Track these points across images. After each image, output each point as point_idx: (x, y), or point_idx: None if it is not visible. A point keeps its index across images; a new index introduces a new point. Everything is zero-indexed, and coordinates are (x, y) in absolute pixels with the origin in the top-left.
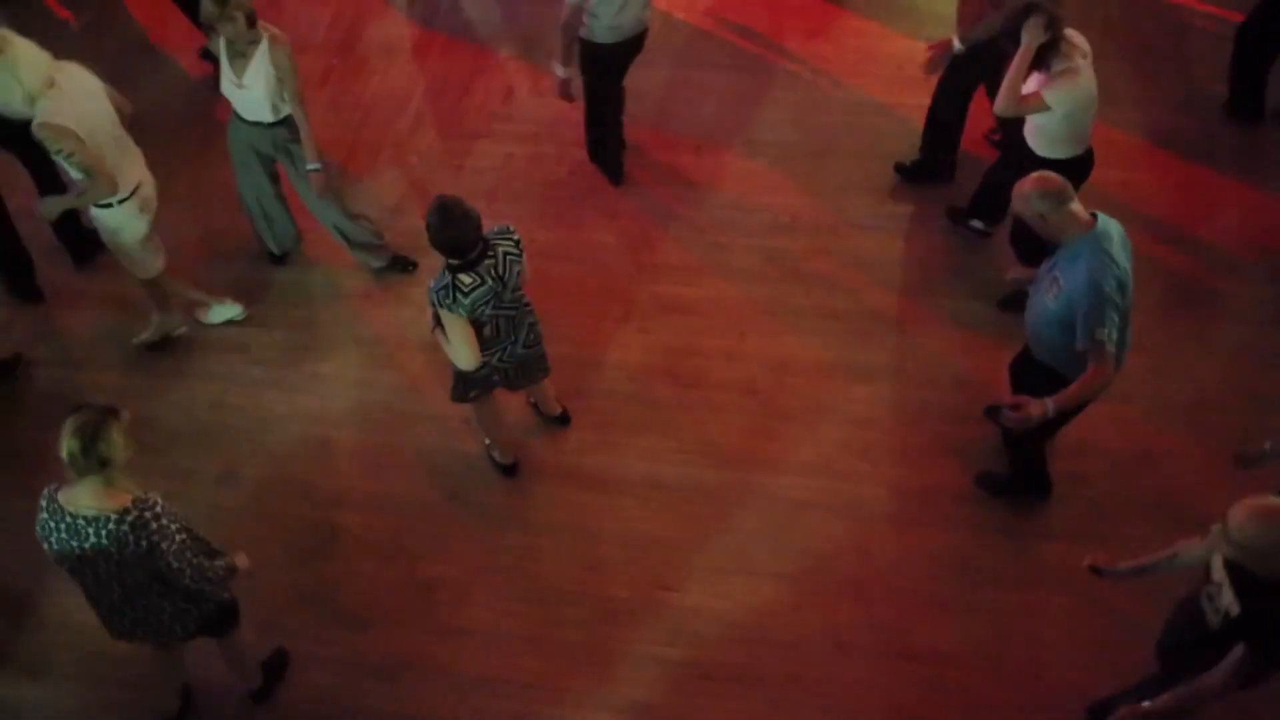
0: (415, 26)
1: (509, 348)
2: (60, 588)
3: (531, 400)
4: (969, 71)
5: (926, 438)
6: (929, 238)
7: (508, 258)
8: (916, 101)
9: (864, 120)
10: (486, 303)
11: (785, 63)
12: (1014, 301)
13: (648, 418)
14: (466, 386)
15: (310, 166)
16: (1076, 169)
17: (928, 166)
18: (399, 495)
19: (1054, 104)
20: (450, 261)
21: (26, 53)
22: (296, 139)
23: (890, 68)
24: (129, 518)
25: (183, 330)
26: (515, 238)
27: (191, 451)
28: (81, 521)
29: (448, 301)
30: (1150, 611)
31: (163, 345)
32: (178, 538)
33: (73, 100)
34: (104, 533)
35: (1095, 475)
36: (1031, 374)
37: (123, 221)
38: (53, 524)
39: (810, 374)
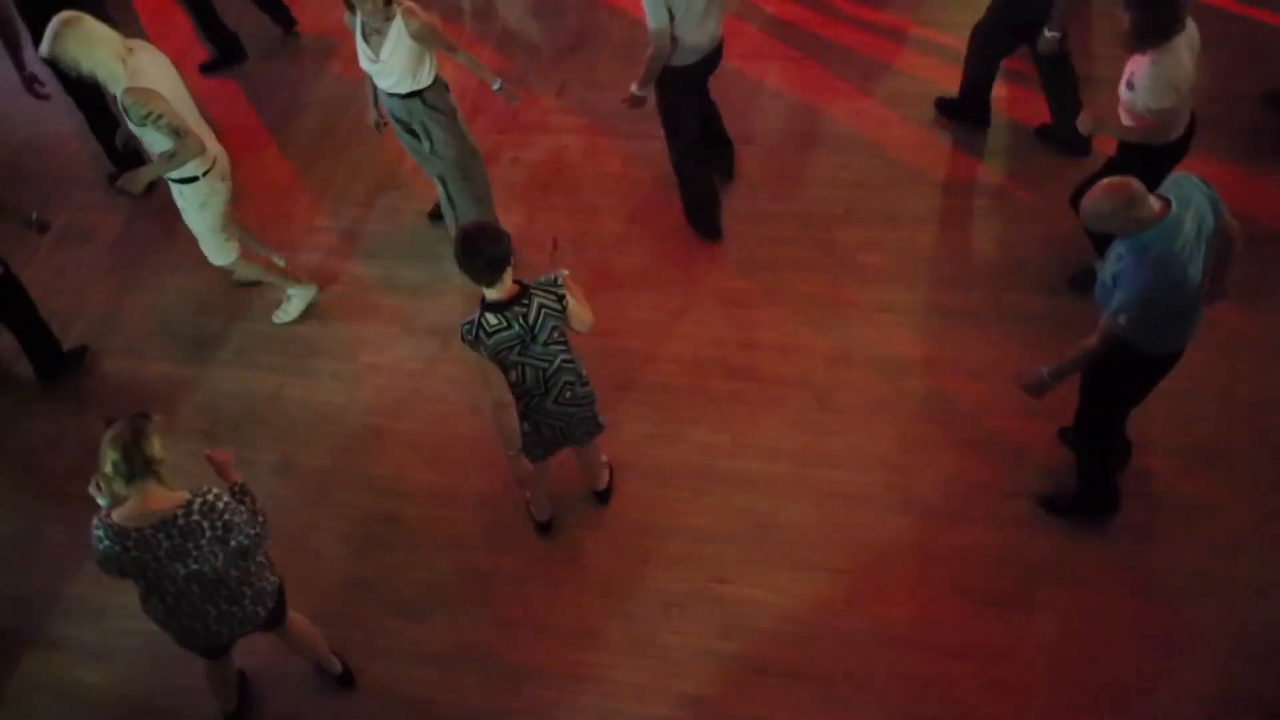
0: (469, 21)
1: (537, 399)
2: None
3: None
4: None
5: (984, 433)
6: (988, 231)
7: (542, 310)
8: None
9: (919, 111)
10: (510, 348)
11: (839, 52)
12: (1085, 280)
13: (702, 410)
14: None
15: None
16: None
17: (965, 105)
18: (455, 486)
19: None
20: (484, 299)
21: (96, 24)
22: (434, 111)
23: (949, 58)
24: (195, 506)
25: (317, 294)
26: (559, 292)
27: (250, 442)
28: (149, 531)
29: (469, 338)
30: (1219, 614)
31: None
32: (241, 509)
33: (153, 67)
34: (174, 531)
35: (1157, 472)
36: (1099, 365)
37: (208, 194)
38: (118, 547)
39: (866, 367)
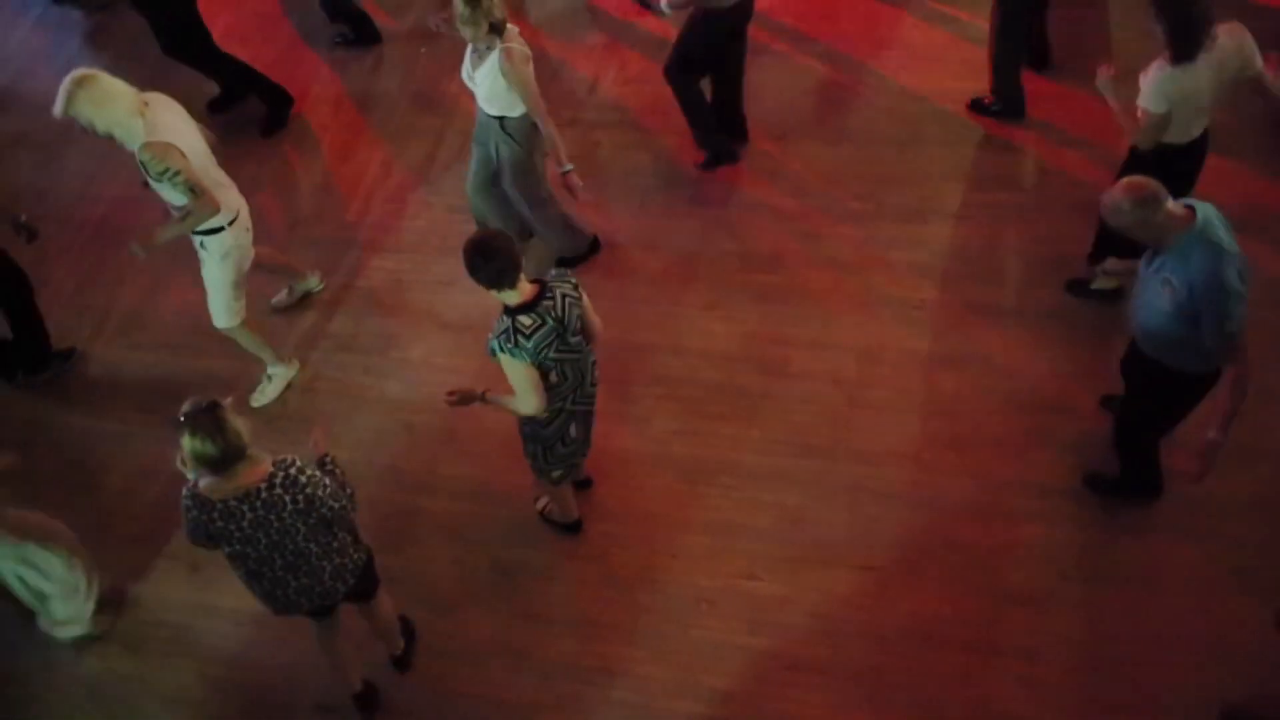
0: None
1: (580, 388)
2: (153, 565)
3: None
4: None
5: (1016, 429)
6: (1020, 227)
7: (566, 300)
8: None
9: (952, 108)
10: (549, 344)
11: (871, 50)
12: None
13: (732, 406)
14: (547, 461)
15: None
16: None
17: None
18: (483, 481)
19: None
20: (507, 305)
21: (110, 80)
22: (510, 139)
23: (980, 54)
24: (278, 480)
25: (319, 287)
26: (573, 280)
27: (283, 435)
28: (234, 503)
29: (509, 346)
30: (1256, 614)
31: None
32: (326, 481)
33: (175, 121)
34: (258, 504)
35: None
36: (1142, 370)
37: (232, 245)
38: (204, 518)
39: (897, 363)
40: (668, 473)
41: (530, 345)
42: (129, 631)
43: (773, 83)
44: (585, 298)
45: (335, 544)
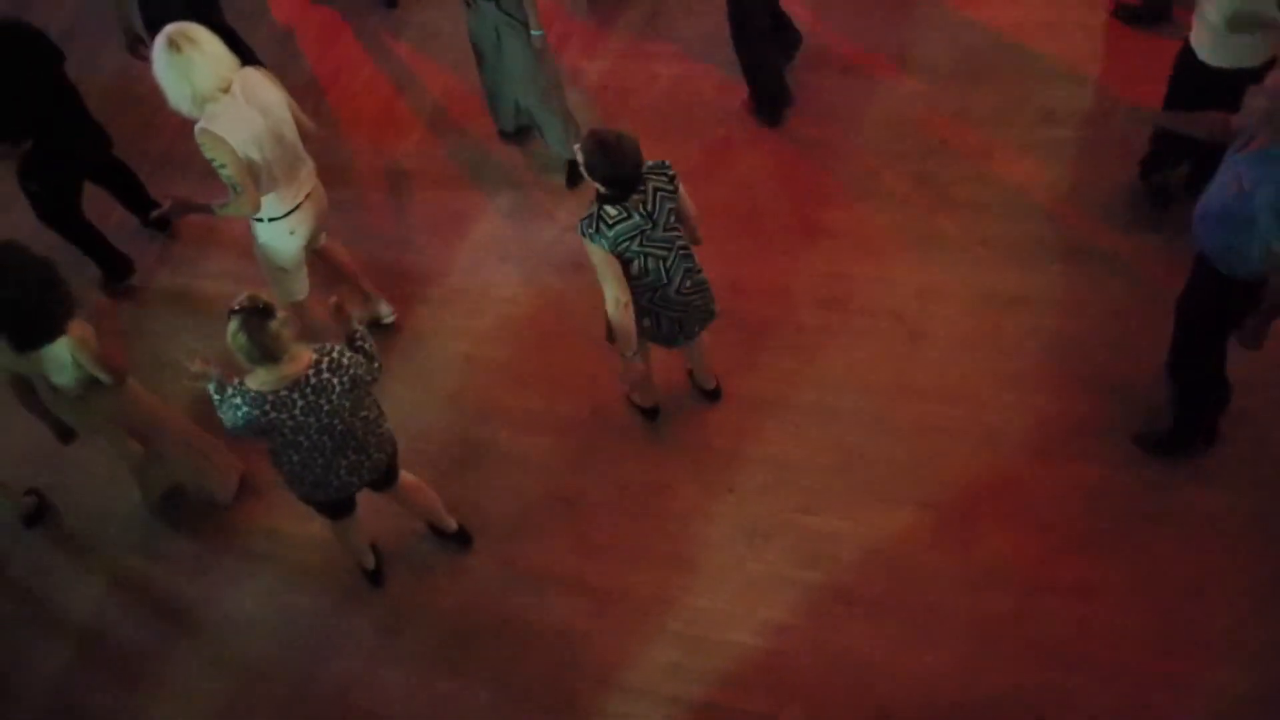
0: None
1: (660, 290)
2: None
3: (688, 368)
4: None
5: (1077, 369)
6: (1086, 165)
7: (659, 194)
8: (1079, 19)
9: (1023, 40)
10: (631, 238)
11: None
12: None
13: (792, 342)
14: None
15: (534, 32)
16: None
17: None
18: (543, 411)
19: None
20: (600, 192)
21: (207, 55)
22: (510, 17)
23: None
24: (323, 365)
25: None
26: (670, 173)
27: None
28: (284, 392)
29: (590, 231)
30: None
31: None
32: (361, 360)
33: (242, 112)
34: (308, 390)
35: (1257, 413)
36: (1192, 279)
37: (271, 238)
38: (256, 412)
39: (958, 302)
40: (725, 407)
41: (611, 235)
42: (198, 554)
43: (837, 14)
44: (682, 188)
45: (373, 415)
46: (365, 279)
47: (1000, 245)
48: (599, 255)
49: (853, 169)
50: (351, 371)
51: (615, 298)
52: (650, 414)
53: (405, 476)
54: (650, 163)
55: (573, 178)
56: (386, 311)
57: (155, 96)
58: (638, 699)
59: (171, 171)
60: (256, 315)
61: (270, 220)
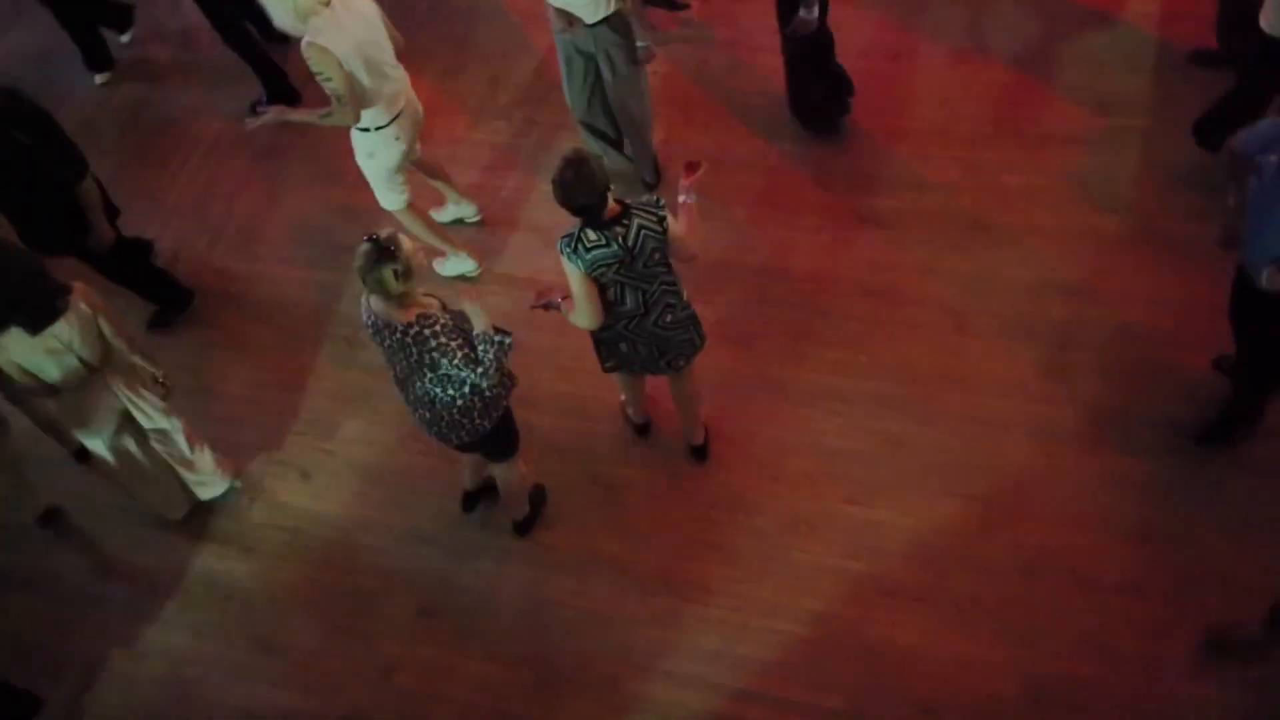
0: None
1: (637, 320)
2: (267, 472)
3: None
4: None
5: (1127, 361)
6: (1141, 154)
7: (643, 231)
8: (1139, 9)
9: (1078, 26)
10: (608, 265)
11: None
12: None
13: (838, 330)
14: (602, 352)
15: (640, 44)
16: None
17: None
18: (586, 398)
19: None
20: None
21: None
22: (618, 40)
23: None
24: (411, 332)
25: (476, 270)
26: (660, 214)
27: None
28: (380, 324)
29: (568, 250)
30: None
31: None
32: (459, 354)
33: (343, 24)
34: (393, 339)
35: None
36: (1257, 311)
37: (375, 148)
38: (371, 329)
39: (1007, 291)
40: (771, 395)
41: (588, 258)
42: (245, 533)
43: (885, 2)
44: (679, 223)
45: (460, 402)
46: (456, 181)
47: (1052, 235)
48: (575, 275)
49: (902, 157)
50: (434, 355)
51: (579, 313)
52: (640, 430)
53: (503, 470)
54: (645, 198)
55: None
56: (472, 212)
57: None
58: (679, 685)
59: (226, 156)
60: (376, 251)
61: (376, 129)
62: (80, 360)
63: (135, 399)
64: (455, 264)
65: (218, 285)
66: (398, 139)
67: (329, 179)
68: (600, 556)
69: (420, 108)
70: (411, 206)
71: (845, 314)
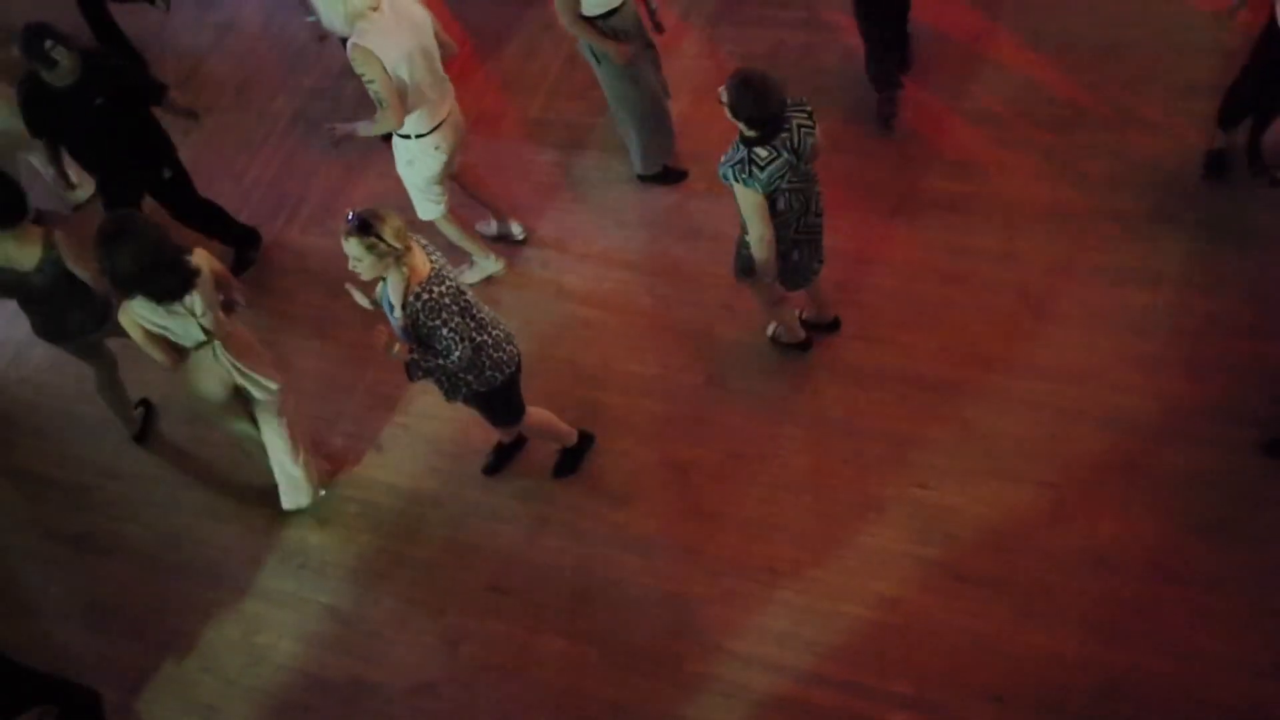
0: None
1: (803, 218)
2: (342, 446)
3: (803, 316)
4: None
5: (1209, 352)
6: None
7: (802, 130)
8: None
9: (1160, 9)
10: (782, 176)
11: None
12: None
13: (913, 315)
14: (750, 266)
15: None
16: None
17: None
18: (658, 378)
19: None
20: (746, 134)
21: None
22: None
23: None
24: (422, 298)
25: (501, 270)
26: (808, 109)
27: None
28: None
29: (743, 176)
30: None
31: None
32: (443, 330)
33: (391, 28)
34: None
35: None
36: None
37: (416, 155)
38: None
39: (1085, 278)
40: (842, 378)
41: (764, 176)
42: (319, 505)
43: None
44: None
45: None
46: (500, 200)
47: (1132, 220)
48: (751, 198)
49: (980, 141)
50: (436, 324)
51: (761, 236)
52: (804, 346)
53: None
54: (790, 99)
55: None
56: (518, 230)
57: None
58: (745, 666)
59: (304, 133)
60: (357, 225)
61: (417, 137)
62: (201, 327)
63: (245, 371)
64: (478, 271)
65: (295, 262)
66: (438, 148)
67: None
68: (668, 536)
69: (462, 119)
70: (450, 215)
71: (919, 298)
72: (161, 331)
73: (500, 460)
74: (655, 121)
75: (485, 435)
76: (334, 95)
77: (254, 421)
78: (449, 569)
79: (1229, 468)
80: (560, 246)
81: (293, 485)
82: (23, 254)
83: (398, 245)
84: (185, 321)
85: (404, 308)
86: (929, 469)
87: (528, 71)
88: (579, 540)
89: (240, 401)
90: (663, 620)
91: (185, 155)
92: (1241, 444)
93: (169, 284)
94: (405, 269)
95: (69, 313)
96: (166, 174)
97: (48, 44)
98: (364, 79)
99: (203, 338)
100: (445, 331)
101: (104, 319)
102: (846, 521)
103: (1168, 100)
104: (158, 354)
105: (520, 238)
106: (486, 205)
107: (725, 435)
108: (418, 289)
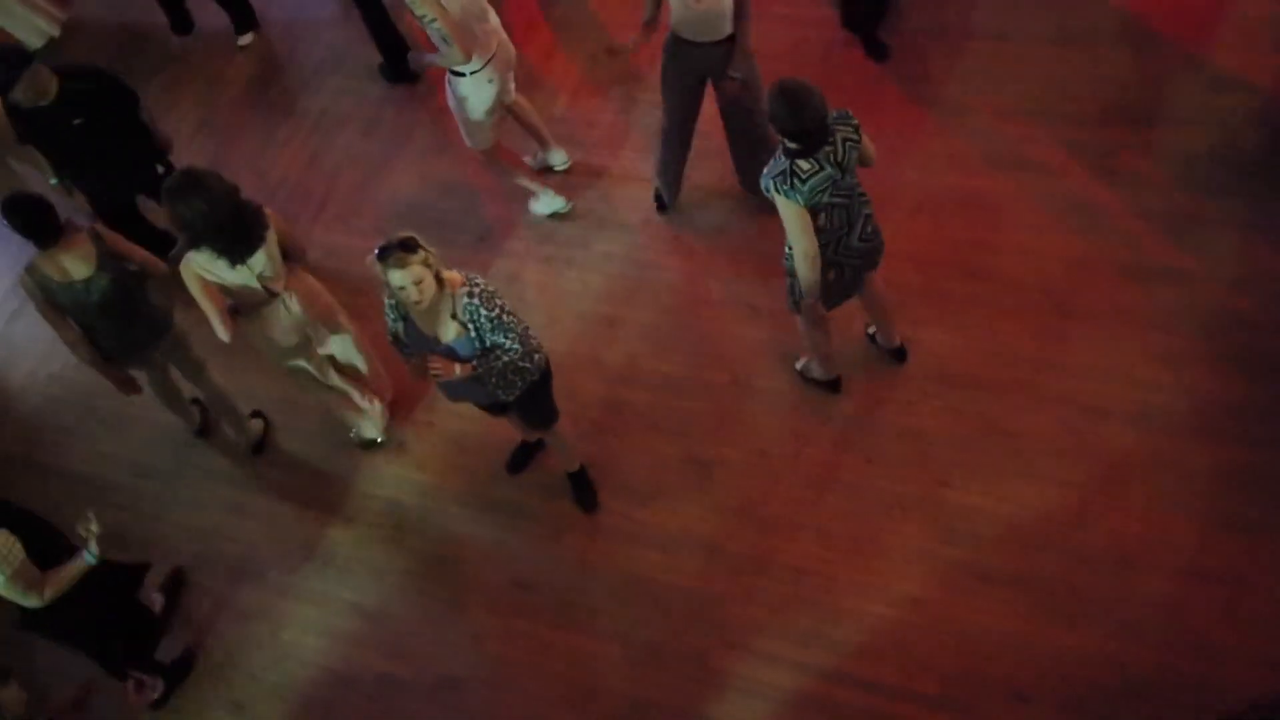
0: None
1: (843, 239)
2: (353, 453)
3: (870, 330)
4: None
5: (1236, 348)
6: (1256, 136)
7: (847, 144)
8: None
9: (1193, 5)
10: (824, 190)
11: None
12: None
13: (935, 312)
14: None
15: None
16: None
17: None
18: (683, 376)
19: None
20: (789, 146)
21: None
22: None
23: None
24: (474, 294)
25: (567, 206)
26: (854, 123)
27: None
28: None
29: (784, 187)
30: None
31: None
32: (507, 305)
33: None
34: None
35: None
36: None
37: (470, 90)
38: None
39: (1111, 274)
40: (865, 376)
41: (805, 189)
42: (345, 503)
43: None
44: (865, 136)
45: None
46: (539, 122)
47: (1159, 217)
48: (792, 210)
49: (1004, 136)
50: (484, 316)
51: (805, 251)
52: (832, 385)
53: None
54: (836, 112)
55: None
56: (560, 159)
57: None
58: (768, 664)
59: (329, 131)
60: (403, 247)
61: (471, 74)
62: (262, 284)
63: (314, 321)
64: (547, 202)
65: (321, 259)
66: (490, 81)
67: (428, 155)
68: (692, 534)
69: (512, 50)
70: (497, 147)
71: (943, 295)
72: (219, 283)
73: (523, 458)
74: (663, 150)
75: (508, 433)
76: (360, 94)
77: (317, 364)
78: (473, 566)
79: (1257, 466)
80: (585, 246)
81: (366, 419)
82: (76, 264)
83: (435, 251)
84: (247, 277)
85: (457, 316)
86: (954, 468)
87: (550, 70)
88: (602, 537)
89: (306, 345)
90: (686, 617)
91: (208, 151)
92: (1270, 441)
93: (240, 236)
94: (443, 281)
95: (133, 325)
96: (160, 170)
97: (10, 70)
98: (425, 20)
99: (262, 292)
100: (505, 317)
101: (165, 329)
102: (871, 520)
103: (1194, 96)
104: (213, 309)
105: (562, 168)
106: (531, 131)
107: (750, 434)
108: (465, 290)
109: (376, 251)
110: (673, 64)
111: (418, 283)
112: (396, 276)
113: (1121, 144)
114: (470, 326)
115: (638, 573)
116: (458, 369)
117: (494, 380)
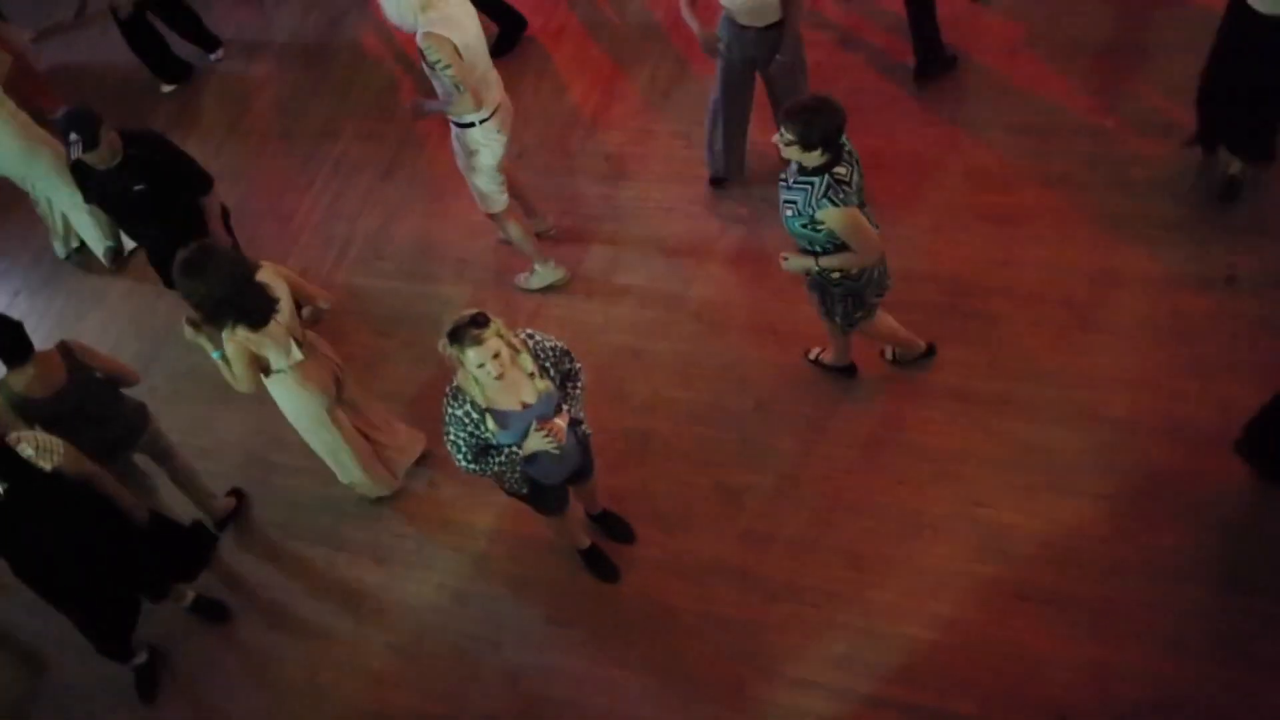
0: None
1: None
2: (399, 483)
3: (886, 354)
4: None
5: (1266, 356)
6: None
7: (852, 154)
8: None
9: (1196, 14)
10: (860, 188)
11: None
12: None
13: (959, 328)
14: (858, 308)
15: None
16: None
17: None
18: (708, 404)
19: None
20: (818, 163)
21: None
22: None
23: None
24: (534, 337)
25: (564, 278)
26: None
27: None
28: None
29: (839, 198)
30: None
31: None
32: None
33: (456, 16)
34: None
35: None
36: None
37: (483, 141)
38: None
39: (1135, 286)
40: (892, 396)
41: (853, 190)
42: (376, 543)
43: None
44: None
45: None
46: (529, 196)
47: (1180, 227)
48: (850, 216)
49: (1021, 150)
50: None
51: (874, 246)
52: (848, 370)
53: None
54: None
55: None
56: (545, 224)
57: None
58: (806, 690)
59: (350, 174)
60: (474, 321)
61: (481, 122)
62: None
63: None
64: (544, 275)
65: (344, 301)
66: (499, 131)
67: (445, 197)
68: (723, 561)
69: (510, 105)
70: (510, 211)
71: (966, 312)
72: (257, 348)
73: (606, 558)
74: (710, 125)
75: None
76: (378, 137)
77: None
78: (506, 603)
79: None
80: (605, 278)
81: (376, 478)
82: (39, 383)
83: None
84: (274, 343)
85: (532, 370)
86: (984, 485)
87: (565, 104)
88: (634, 568)
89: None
90: (721, 646)
91: (234, 196)
92: None
93: (259, 302)
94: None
95: (111, 427)
96: None
97: (76, 133)
98: (439, 66)
99: (295, 353)
100: (563, 346)
101: (143, 426)
102: (902, 541)
103: None
104: (250, 379)
105: (552, 233)
106: (519, 197)
107: (777, 459)
108: (524, 335)
109: (447, 335)
110: (726, 46)
111: (496, 355)
112: (473, 355)
113: (1139, 155)
114: (549, 367)
115: (671, 603)
116: (558, 421)
117: (581, 417)
